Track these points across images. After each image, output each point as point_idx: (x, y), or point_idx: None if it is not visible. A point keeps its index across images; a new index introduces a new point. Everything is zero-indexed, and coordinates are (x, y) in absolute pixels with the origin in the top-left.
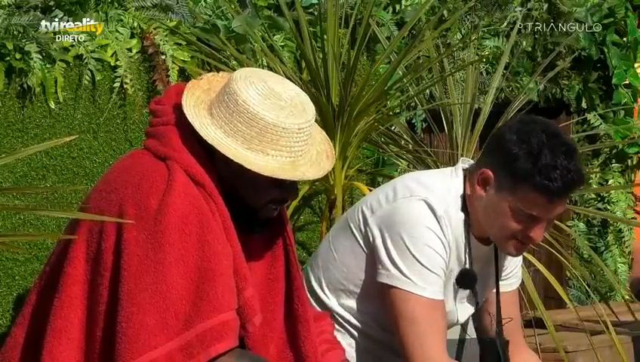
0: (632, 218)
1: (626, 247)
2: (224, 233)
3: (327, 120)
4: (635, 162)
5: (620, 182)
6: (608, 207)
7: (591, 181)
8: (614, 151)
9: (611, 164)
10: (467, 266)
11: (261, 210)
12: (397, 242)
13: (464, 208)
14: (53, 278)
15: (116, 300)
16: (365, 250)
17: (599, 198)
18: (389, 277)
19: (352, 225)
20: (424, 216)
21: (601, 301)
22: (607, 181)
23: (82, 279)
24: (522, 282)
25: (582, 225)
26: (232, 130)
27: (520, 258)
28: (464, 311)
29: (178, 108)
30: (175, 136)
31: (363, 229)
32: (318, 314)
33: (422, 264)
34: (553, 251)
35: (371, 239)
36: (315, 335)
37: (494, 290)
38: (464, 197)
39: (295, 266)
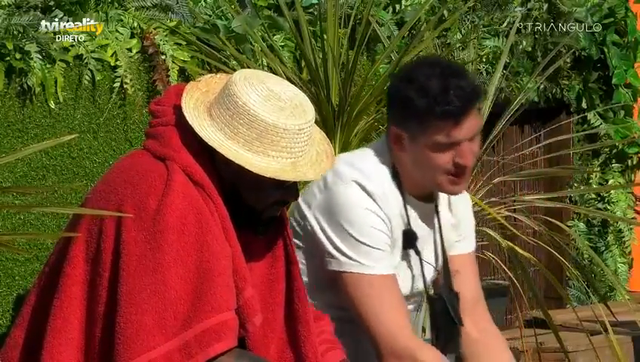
0: (632, 218)
1: (626, 247)
2: (223, 233)
3: (327, 120)
4: (635, 162)
5: (620, 182)
6: (608, 207)
7: (591, 181)
8: (614, 151)
9: (611, 164)
10: (406, 227)
11: (262, 211)
12: (337, 229)
13: (395, 175)
14: (52, 278)
15: (115, 300)
16: (308, 243)
17: (599, 198)
18: (337, 264)
19: (294, 223)
20: (357, 197)
21: (601, 301)
22: (607, 181)
23: (82, 279)
24: (522, 282)
25: (582, 225)
26: (233, 132)
27: (473, 221)
28: (421, 276)
29: (178, 109)
30: (175, 136)
31: (302, 223)
32: (318, 314)
33: (365, 244)
34: (553, 251)
35: (311, 231)
36: (315, 335)
37: (453, 253)
38: (394, 165)
39: (295, 266)
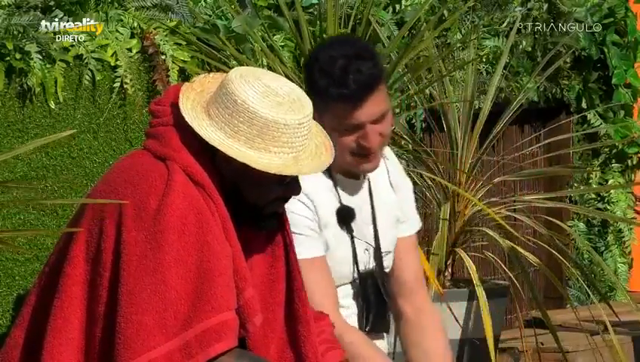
0: (632, 218)
1: (626, 247)
2: (223, 233)
3: None
4: (635, 162)
5: (619, 182)
6: (608, 207)
7: (591, 181)
8: (614, 151)
9: (611, 164)
10: (339, 205)
11: (264, 207)
12: None
13: None
14: (52, 278)
15: (115, 300)
16: None
17: (599, 198)
18: None
19: None
20: None
21: (601, 301)
22: (607, 181)
23: (82, 279)
24: (522, 282)
25: (582, 225)
26: (233, 130)
27: (413, 202)
28: (362, 255)
29: (178, 109)
30: (175, 136)
31: None
32: (318, 314)
33: None
34: (553, 251)
35: None
36: (315, 335)
37: (398, 235)
38: None
39: (295, 266)
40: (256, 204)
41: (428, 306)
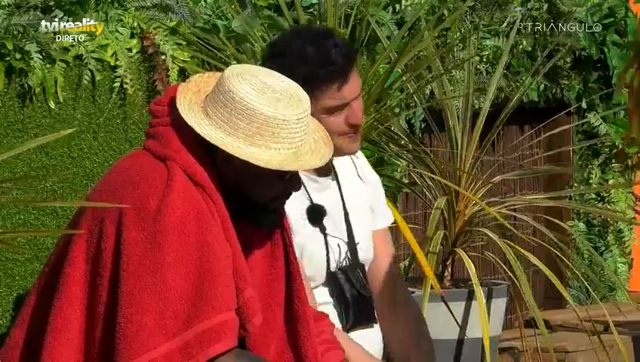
0: (632, 218)
1: (626, 247)
2: (223, 233)
3: None
4: (635, 162)
5: (620, 182)
6: (608, 207)
7: (591, 181)
8: (614, 151)
9: (611, 163)
10: (309, 203)
11: (266, 205)
12: None
13: None
14: (52, 279)
15: (115, 301)
16: None
17: (599, 198)
18: None
19: None
20: None
21: (601, 301)
22: (607, 181)
23: (82, 279)
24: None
25: (582, 225)
26: (233, 128)
27: (383, 196)
28: (336, 251)
29: (177, 109)
30: (174, 136)
31: None
32: (317, 314)
33: None
34: (553, 251)
35: None
36: (315, 335)
37: (372, 228)
38: None
39: (295, 266)
40: (257, 201)
41: (407, 301)
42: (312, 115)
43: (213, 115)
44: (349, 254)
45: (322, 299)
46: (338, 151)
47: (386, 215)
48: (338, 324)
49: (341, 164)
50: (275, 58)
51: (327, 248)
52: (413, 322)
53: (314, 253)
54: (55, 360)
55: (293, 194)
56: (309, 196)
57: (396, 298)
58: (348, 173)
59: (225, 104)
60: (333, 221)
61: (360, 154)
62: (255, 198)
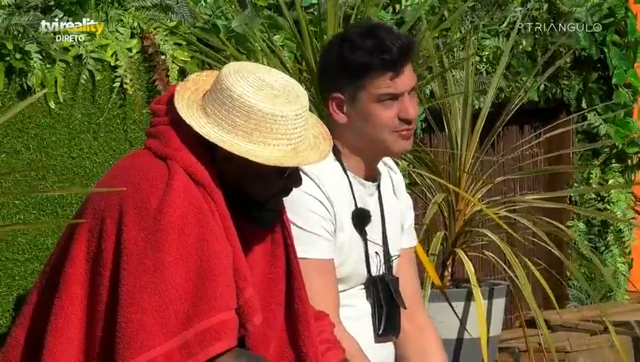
0: (632, 218)
1: (626, 247)
2: (224, 232)
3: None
4: (635, 162)
5: (619, 182)
6: (608, 207)
7: (591, 181)
8: (614, 151)
9: (611, 164)
10: (356, 207)
11: (267, 202)
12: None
13: (336, 155)
14: (53, 278)
15: (116, 300)
16: None
17: (599, 198)
18: None
19: None
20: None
21: (601, 301)
22: (607, 181)
23: (83, 279)
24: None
25: (582, 225)
26: (231, 126)
27: (412, 218)
28: (374, 258)
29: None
30: (175, 135)
31: None
32: (318, 313)
33: (299, 227)
34: (553, 251)
35: None
36: (316, 334)
37: (400, 245)
38: (334, 150)
39: (295, 265)
40: (257, 199)
41: (428, 326)
42: (364, 105)
43: (211, 113)
44: (384, 263)
45: (356, 301)
46: (387, 150)
47: (412, 236)
48: (366, 326)
49: (381, 174)
50: (335, 46)
51: (367, 253)
52: (440, 354)
53: (354, 255)
54: (56, 360)
55: (344, 193)
56: (355, 200)
57: (423, 324)
58: (385, 185)
59: (223, 102)
60: (373, 228)
61: (398, 171)
62: (255, 196)
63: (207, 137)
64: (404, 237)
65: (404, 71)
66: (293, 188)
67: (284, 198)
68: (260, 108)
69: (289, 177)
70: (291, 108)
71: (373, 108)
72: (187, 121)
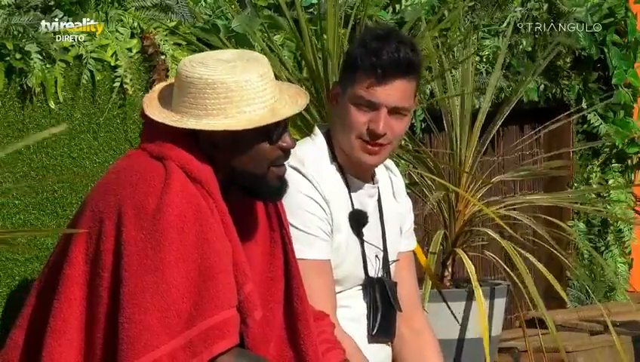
0: (632, 218)
1: (626, 247)
2: (223, 229)
3: (328, 119)
4: (635, 162)
5: (619, 182)
6: (608, 207)
7: (591, 181)
8: (614, 151)
9: (611, 164)
10: (352, 209)
11: (267, 176)
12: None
13: (334, 157)
14: (52, 279)
15: (116, 301)
16: None
17: (599, 198)
18: None
19: None
20: (297, 182)
21: (601, 301)
22: (607, 181)
23: (82, 280)
24: (522, 282)
25: (582, 225)
26: (203, 110)
27: (412, 221)
28: (373, 260)
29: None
30: (170, 135)
31: None
32: (318, 314)
33: (297, 228)
34: (553, 251)
35: None
36: (315, 333)
37: (398, 249)
38: (331, 151)
39: (294, 265)
40: (256, 173)
41: (426, 329)
42: (346, 101)
43: (182, 106)
44: (382, 265)
45: (352, 302)
46: (354, 155)
47: (411, 239)
48: (361, 326)
49: (381, 176)
50: (354, 43)
51: (364, 255)
52: (438, 358)
53: (351, 256)
54: (55, 361)
55: (341, 193)
56: (352, 201)
57: (421, 328)
58: (385, 188)
59: (188, 91)
60: (370, 230)
61: (399, 177)
62: (253, 171)
63: (183, 126)
64: (402, 241)
65: (392, 84)
66: (289, 150)
67: (284, 199)
68: (224, 81)
69: (278, 139)
70: (253, 72)
71: (349, 108)
72: (159, 120)
